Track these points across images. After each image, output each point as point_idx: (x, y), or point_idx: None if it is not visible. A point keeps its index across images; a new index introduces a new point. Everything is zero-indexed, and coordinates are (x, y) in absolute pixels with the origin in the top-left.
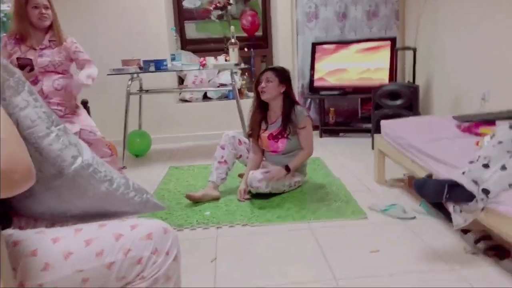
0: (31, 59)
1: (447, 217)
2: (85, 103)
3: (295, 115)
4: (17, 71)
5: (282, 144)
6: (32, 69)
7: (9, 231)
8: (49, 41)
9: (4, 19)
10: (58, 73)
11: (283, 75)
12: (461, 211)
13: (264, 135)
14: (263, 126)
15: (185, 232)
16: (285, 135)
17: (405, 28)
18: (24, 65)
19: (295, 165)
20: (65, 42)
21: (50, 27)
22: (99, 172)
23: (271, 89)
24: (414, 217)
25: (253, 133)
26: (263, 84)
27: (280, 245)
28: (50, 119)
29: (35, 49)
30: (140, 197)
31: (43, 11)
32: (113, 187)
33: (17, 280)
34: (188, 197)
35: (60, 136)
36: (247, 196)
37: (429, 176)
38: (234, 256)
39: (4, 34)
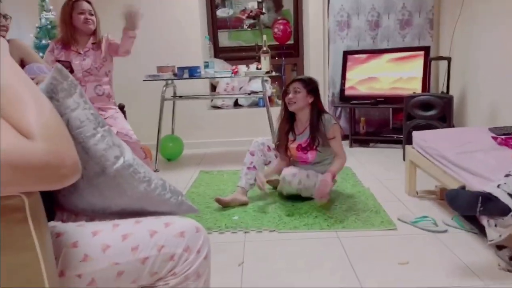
0: (69, 62)
1: (481, 231)
2: (121, 108)
3: (323, 124)
4: (70, 75)
5: (311, 155)
6: (71, 71)
7: (52, 223)
8: (92, 43)
9: (49, 26)
10: (100, 77)
11: (311, 86)
12: (496, 225)
13: (293, 146)
14: (291, 137)
15: (214, 235)
16: (314, 147)
17: (440, 38)
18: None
19: (335, 172)
20: (102, 41)
21: (94, 31)
22: (138, 173)
23: (299, 100)
24: (446, 231)
25: (281, 143)
26: (291, 95)
27: (307, 252)
28: (97, 120)
29: (79, 53)
30: (175, 198)
31: (88, 16)
32: (151, 188)
33: (58, 269)
34: (217, 201)
35: (105, 137)
36: (265, 187)
37: (462, 188)
38: (261, 260)
39: (51, 40)
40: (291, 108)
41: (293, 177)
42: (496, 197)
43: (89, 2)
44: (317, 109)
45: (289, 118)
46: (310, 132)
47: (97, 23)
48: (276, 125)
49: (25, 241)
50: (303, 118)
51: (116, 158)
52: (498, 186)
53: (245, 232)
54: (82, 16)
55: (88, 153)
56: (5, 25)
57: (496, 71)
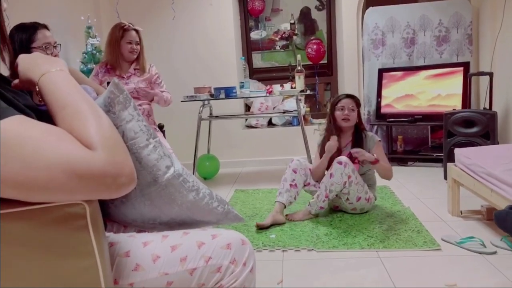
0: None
1: None
2: (161, 127)
3: (366, 140)
4: (125, 89)
5: (356, 167)
6: None
7: (106, 233)
8: (134, 69)
9: (94, 52)
10: (141, 99)
11: (359, 104)
12: None
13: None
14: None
15: None
16: (357, 161)
17: (480, 53)
18: None
19: (380, 162)
20: (148, 71)
21: (137, 58)
22: (187, 182)
23: (353, 118)
24: (495, 252)
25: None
26: (346, 112)
27: (347, 272)
28: (149, 132)
29: (122, 77)
30: (222, 207)
31: (134, 46)
32: (199, 197)
33: (112, 278)
34: (259, 226)
35: (156, 148)
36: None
37: (511, 207)
38: (300, 279)
39: (95, 65)
40: (346, 125)
41: (345, 166)
42: None
43: (137, 32)
44: (358, 125)
45: (337, 131)
46: (353, 146)
47: (141, 50)
48: (311, 142)
49: (85, 247)
50: (348, 132)
51: (167, 168)
52: None
53: (283, 251)
54: (129, 46)
55: (141, 163)
56: (56, 54)
57: None
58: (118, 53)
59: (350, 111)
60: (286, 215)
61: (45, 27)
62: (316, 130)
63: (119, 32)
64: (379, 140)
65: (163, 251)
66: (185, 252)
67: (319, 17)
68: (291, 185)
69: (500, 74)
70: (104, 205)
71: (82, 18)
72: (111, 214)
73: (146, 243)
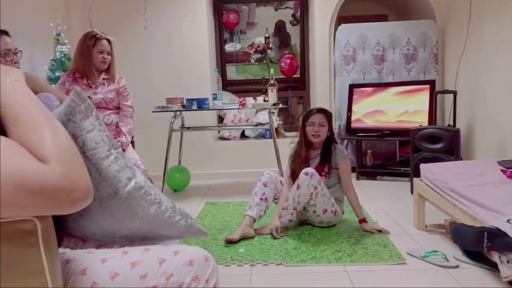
0: (89, 97)
1: (492, 268)
2: None
3: (335, 154)
4: (87, 98)
5: (324, 177)
6: None
7: (61, 250)
8: (103, 79)
9: (63, 59)
10: (109, 109)
11: (330, 118)
12: (508, 261)
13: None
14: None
15: (219, 268)
16: (324, 174)
17: (445, 71)
18: None
19: (360, 211)
20: (117, 82)
21: (107, 67)
22: (149, 195)
23: (323, 134)
24: (457, 266)
25: (295, 169)
26: (316, 129)
27: (315, 286)
28: (111, 143)
29: (90, 87)
30: (185, 221)
31: (106, 56)
32: (161, 210)
33: None
34: (227, 241)
35: (118, 159)
36: (281, 234)
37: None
38: None
39: (63, 73)
40: (316, 140)
41: (310, 178)
42: (504, 233)
43: (109, 42)
44: (329, 138)
45: (307, 145)
46: (321, 160)
47: (112, 60)
48: (283, 155)
49: (35, 266)
50: (318, 146)
51: (129, 179)
52: (508, 221)
53: (251, 265)
54: (101, 55)
55: (101, 174)
56: (16, 61)
57: (504, 103)
58: (89, 62)
59: (320, 127)
60: (255, 229)
61: (5, 33)
62: (291, 143)
63: (91, 41)
64: (348, 155)
65: (122, 268)
66: (145, 269)
67: (293, 31)
68: (261, 198)
69: (464, 92)
70: (61, 218)
71: (51, 25)
72: (69, 228)
73: (104, 260)
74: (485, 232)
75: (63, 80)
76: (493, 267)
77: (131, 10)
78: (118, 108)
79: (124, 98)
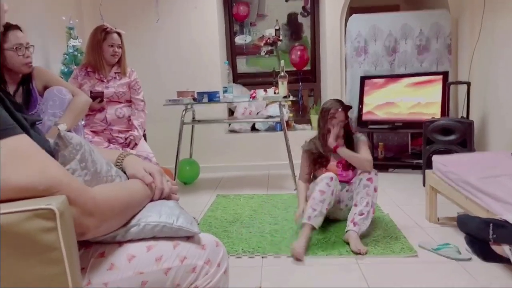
0: (102, 92)
1: (502, 262)
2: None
3: (356, 142)
4: (74, 141)
5: (352, 173)
6: (102, 101)
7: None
8: (115, 73)
9: (75, 53)
10: (121, 102)
11: (348, 110)
12: None
13: (332, 163)
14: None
15: (231, 259)
16: (352, 168)
17: (458, 62)
18: (96, 97)
19: (347, 152)
20: (129, 76)
21: (118, 61)
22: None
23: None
24: (470, 259)
25: (317, 171)
26: (336, 129)
27: (326, 278)
28: (91, 185)
29: (102, 81)
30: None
31: (116, 49)
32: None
33: (85, 279)
34: (297, 258)
35: None
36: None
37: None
38: (279, 286)
39: (76, 67)
40: (338, 130)
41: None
42: (511, 224)
43: (119, 35)
44: (348, 128)
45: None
46: (346, 144)
47: (123, 54)
48: (294, 147)
49: (54, 254)
50: (339, 137)
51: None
52: None
53: (263, 257)
54: (111, 49)
55: None
56: (28, 55)
57: None
58: (100, 56)
59: (339, 126)
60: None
61: (17, 27)
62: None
63: (101, 35)
64: (365, 137)
65: (138, 251)
66: (160, 252)
67: (304, 23)
68: (327, 209)
69: (478, 84)
70: None
71: (63, 18)
72: None
73: (121, 244)
74: (491, 224)
75: (76, 74)
76: (506, 263)
77: (142, 3)
78: (130, 102)
79: (135, 92)
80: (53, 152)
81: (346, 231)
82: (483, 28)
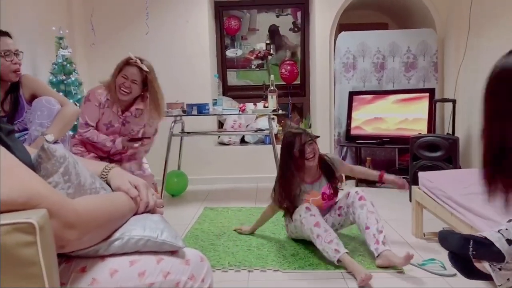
0: (143, 140)
1: (485, 279)
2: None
3: (332, 164)
4: (57, 154)
5: (336, 196)
6: (133, 146)
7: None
8: (136, 109)
9: (64, 63)
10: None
11: (314, 137)
12: (500, 268)
13: (316, 198)
14: (304, 188)
15: (217, 273)
16: (337, 188)
17: (444, 80)
18: (134, 139)
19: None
20: (151, 125)
21: (141, 98)
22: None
23: (316, 152)
24: (455, 275)
25: (294, 199)
26: (310, 155)
27: None
28: (75, 198)
29: (119, 116)
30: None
31: (127, 84)
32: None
33: None
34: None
35: None
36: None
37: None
38: None
39: (65, 75)
40: (314, 162)
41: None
42: (491, 242)
43: (141, 70)
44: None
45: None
46: (327, 177)
47: (151, 94)
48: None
49: (32, 269)
50: (313, 167)
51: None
52: (499, 231)
53: (249, 271)
54: (122, 81)
55: None
56: (17, 62)
57: None
58: (113, 87)
59: (313, 150)
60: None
61: (6, 34)
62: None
63: (121, 64)
64: (340, 159)
65: (121, 265)
66: (144, 267)
67: (294, 38)
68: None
69: (463, 101)
70: None
71: (53, 28)
72: None
73: (104, 258)
74: (471, 240)
75: (97, 98)
76: (488, 279)
77: (133, 15)
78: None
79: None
80: (32, 162)
81: (378, 255)
82: (468, 47)
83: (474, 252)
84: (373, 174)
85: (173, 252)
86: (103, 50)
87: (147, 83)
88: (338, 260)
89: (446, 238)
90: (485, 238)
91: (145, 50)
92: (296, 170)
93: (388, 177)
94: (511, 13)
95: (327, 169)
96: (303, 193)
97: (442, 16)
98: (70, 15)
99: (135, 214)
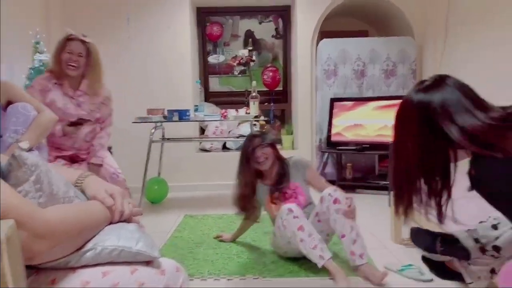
0: (82, 121)
1: (458, 279)
2: (108, 148)
3: (295, 167)
4: (28, 162)
5: (302, 196)
6: (77, 129)
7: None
8: (86, 87)
9: (42, 68)
10: (91, 121)
11: (270, 140)
12: (469, 264)
13: (279, 201)
14: (264, 190)
15: (196, 282)
16: (295, 186)
17: None
18: (78, 124)
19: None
20: (100, 95)
21: (83, 77)
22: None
23: (270, 153)
24: (432, 280)
25: (250, 207)
26: (259, 153)
27: None
28: (47, 207)
29: (71, 97)
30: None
31: (74, 58)
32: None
33: None
34: None
35: None
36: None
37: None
38: None
39: (42, 76)
40: (266, 166)
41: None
42: (457, 239)
43: (84, 43)
44: (279, 157)
45: (253, 182)
46: (279, 182)
47: (91, 67)
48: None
49: None
50: (272, 171)
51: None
52: (468, 230)
53: (228, 279)
54: (68, 56)
55: None
56: (72, 63)
57: None
58: (59, 67)
59: (264, 154)
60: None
61: None
62: None
63: (63, 41)
64: (309, 161)
65: (93, 276)
66: (117, 278)
67: (276, 45)
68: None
69: None
70: None
71: (30, 33)
72: None
73: (75, 270)
74: (439, 237)
75: (40, 83)
76: (461, 280)
77: (114, 21)
78: (98, 121)
79: (106, 117)
80: (2, 170)
81: (356, 268)
82: (445, 54)
83: (442, 249)
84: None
85: (148, 262)
86: None
87: (90, 55)
88: (324, 267)
89: (416, 235)
90: (451, 235)
91: (126, 56)
92: (249, 172)
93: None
94: (486, 21)
95: (282, 174)
96: (265, 194)
97: (420, 25)
98: (47, 19)
99: (110, 223)
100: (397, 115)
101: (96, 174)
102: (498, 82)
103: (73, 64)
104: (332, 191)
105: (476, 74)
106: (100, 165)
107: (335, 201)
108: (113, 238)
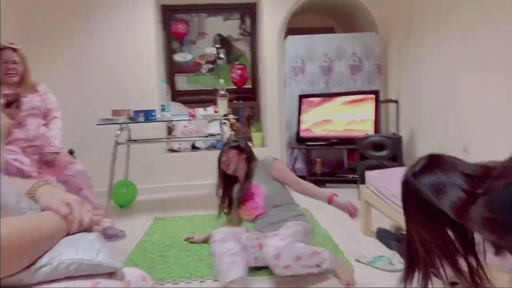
0: (19, 93)
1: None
2: (71, 153)
3: (262, 167)
4: None
5: (258, 197)
6: (19, 106)
7: None
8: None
9: None
10: (40, 117)
11: (234, 144)
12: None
13: (243, 206)
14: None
15: (167, 286)
16: (251, 185)
17: (388, 82)
18: (12, 102)
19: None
20: (37, 90)
21: (21, 81)
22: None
23: (233, 158)
24: (401, 270)
25: (236, 214)
26: (224, 158)
27: None
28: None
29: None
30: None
31: (10, 66)
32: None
33: None
34: None
35: None
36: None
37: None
38: None
39: None
40: (230, 169)
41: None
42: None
43: (15, 50)
44: (248, 159)
45: (229, 185)
46: (246, 178)
47: (25, 72)
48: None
49: None
50: (242, 173)
51: None
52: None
53: (201, 281)
54: (5, 66)
55: None
56: (11, 70)
57: (442, 112)
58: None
59: (227, 156)
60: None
61: None
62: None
63: None
64: (275, 159)
65: None
66: None
67: (243, 42)
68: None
69: (406, 102)
70: None
71: None
72: None
73: (30, 287)
74: (396, 240)
75: None
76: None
77: (74, 21)
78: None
79: (50, 106)
80: None
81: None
82: (410, 50)
83: (396, 248)
84: (322, 194)
85: (111, 274)
86: (43, 58)
87: (23, 60)
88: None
89: (382, 233)
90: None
91: (88, 56)
92: (221, 176)
93: (339, 201)
94: (448, 17)
95: (248, 176)
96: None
97: (384, 21)
98: (4, 23)
99: (68, 234)
100: (401, 198)
101: (53, 162)
102: (459, 75)
103: (12, 72)
104: (276, 248)
105: (439, 67)
106: (57, 153)
107: (278, 256)
108: (70, 251)
